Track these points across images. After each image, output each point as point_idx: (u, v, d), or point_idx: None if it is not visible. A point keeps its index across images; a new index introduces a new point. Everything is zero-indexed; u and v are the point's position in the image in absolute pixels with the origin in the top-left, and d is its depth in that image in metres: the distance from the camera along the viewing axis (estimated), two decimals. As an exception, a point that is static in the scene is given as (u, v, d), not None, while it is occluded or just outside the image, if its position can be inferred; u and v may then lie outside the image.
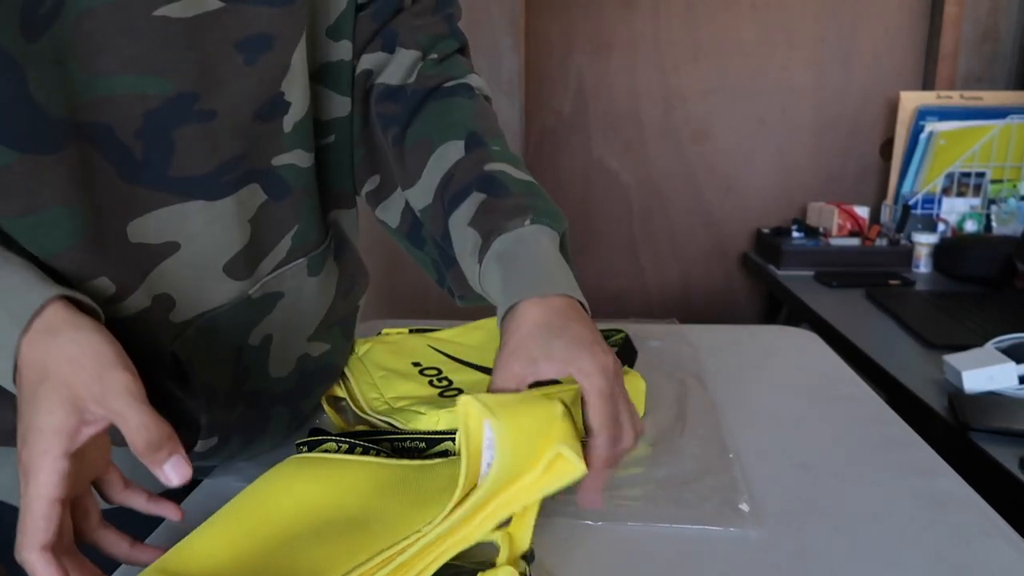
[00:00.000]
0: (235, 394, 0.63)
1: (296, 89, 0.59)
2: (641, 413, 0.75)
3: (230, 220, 0.57)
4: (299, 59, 0.58)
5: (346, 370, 0.79)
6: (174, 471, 0.45)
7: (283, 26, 0.56)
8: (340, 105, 0.67)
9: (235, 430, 0.64)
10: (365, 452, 0.61)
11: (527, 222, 0.56)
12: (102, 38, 0.48)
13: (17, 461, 0.44)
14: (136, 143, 0.51)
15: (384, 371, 0.76)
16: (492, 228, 0.56)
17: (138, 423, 0.43)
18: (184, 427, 0.58)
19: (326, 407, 0.77)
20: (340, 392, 0.77)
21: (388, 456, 0.61)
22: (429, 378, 0.75)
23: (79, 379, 0.43)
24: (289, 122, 0.60)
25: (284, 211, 0.62)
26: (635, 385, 0.74)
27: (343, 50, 0.64)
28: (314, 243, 0.66)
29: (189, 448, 0.61)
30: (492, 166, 0.61)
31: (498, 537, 0.48)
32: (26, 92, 0.46)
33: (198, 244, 0.56)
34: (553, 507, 0.60)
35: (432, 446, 0.63)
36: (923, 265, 1.70)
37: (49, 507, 0.42)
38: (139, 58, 0.50)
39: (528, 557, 0.48)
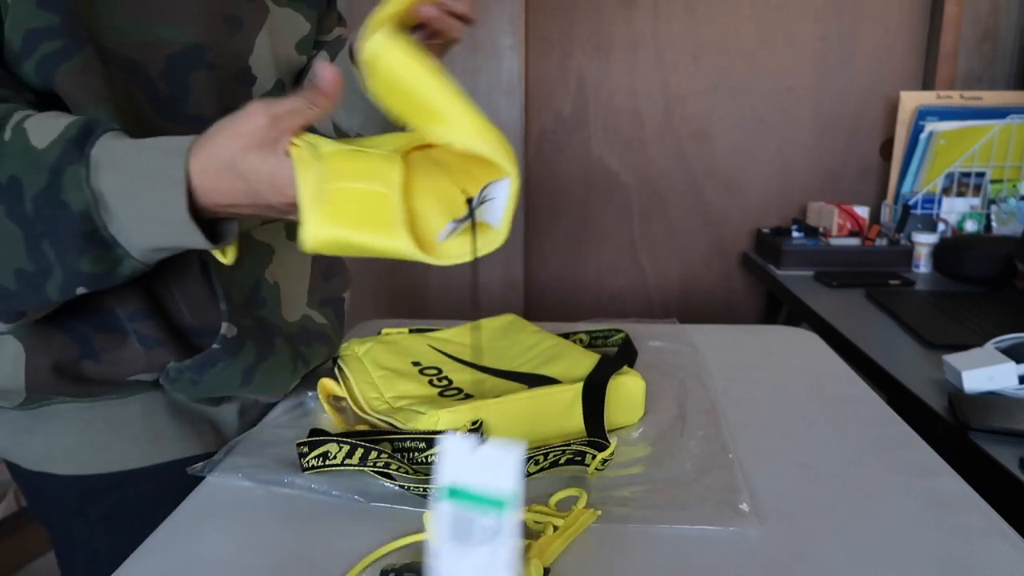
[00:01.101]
0: (248, 308, 0.72)
1: (261, 69, 0.72)
2: (641, 413, 0.75)
3: None
4: (263, 47, 0.71)
5: (346, 369, 0.79)
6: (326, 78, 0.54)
7: (249, 15, 0.70)
8: None
9: (247, 336, 0.70)
10: (366, 454, 0.61)
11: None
12: None
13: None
14: (160, 81, 0.63)
15: (384, 371, 0.76)
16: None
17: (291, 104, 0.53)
18: (210, 313, 0.67)
19: (326, 407, 0.77)
20: (340, 392, 0.77)
21: (389, 458, 0.61)
22: (429, 378, 0.76)
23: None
24: (257, 93, 0.72)
25: None
26: (635, 385, 0.74)
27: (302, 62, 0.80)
28: None
29: (214, 332, 0.67)
30: None
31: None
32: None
33: None
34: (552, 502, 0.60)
35: (432, 446, 0.63)
36: (923, 265, 1.70)
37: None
38: (164, 10, 0.62)
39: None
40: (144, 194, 0.52)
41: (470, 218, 0.55)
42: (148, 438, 0.72)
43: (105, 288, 0.57)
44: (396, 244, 0.51)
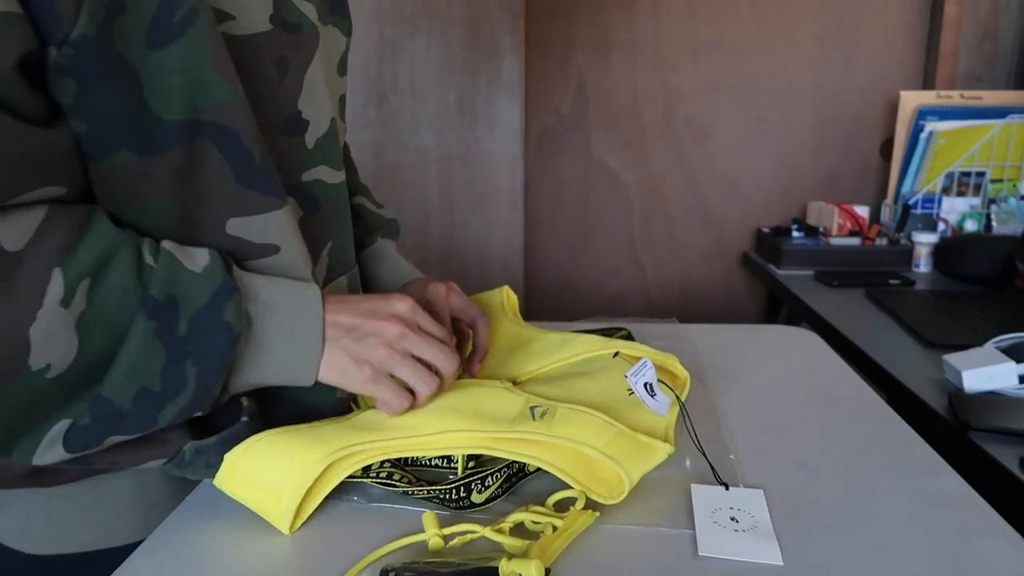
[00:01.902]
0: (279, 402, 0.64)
1: (312, 108, 0.63)
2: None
3: (271, 233, 0.59)
4: (313, 81, 0.63)
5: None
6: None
7: (293, 50, 0.60)
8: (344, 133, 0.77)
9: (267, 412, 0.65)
10: (368, 466, 0.61)
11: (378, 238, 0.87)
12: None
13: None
14: (255, 148, 0.56)
15: None
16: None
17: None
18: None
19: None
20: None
21: (392, 467, 0.61)
22: None
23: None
24: (311, 139, 0.64)
25: (317, 226, 0.66)
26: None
27: (345, 84, 0.74)
28: (351, 261, 0.73)
29: (233, 411, 0.61)
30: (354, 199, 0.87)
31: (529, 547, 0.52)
32: (141, 98, 0.50)
33: (294, 249, 0.61)
34: (551, 508, 0.60)
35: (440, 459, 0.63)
36: (923, 265, 1.70)
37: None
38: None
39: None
40: (286, 329, 0.55)
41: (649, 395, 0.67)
42: (141, 510, 0.64)
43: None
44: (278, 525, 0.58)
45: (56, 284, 0.46)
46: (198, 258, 0.53)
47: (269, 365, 0.55)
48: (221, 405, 0.57)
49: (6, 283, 0.44)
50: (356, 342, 0.58)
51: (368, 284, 0.83)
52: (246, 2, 0.56)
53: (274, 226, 0.58)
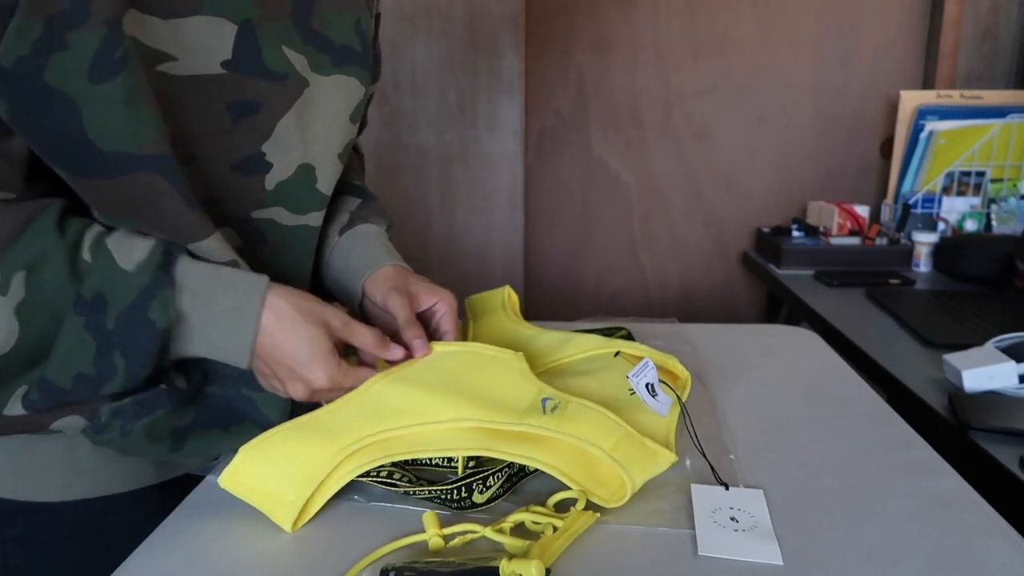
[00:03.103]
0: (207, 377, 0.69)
1: (280, 153, 0.67)
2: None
3: (217, 255, 0.63)
4: (287, 128, 0.66)
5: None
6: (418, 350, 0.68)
7: (272, 98, 0.64)
8: None
9: (195, 400, 0.70)
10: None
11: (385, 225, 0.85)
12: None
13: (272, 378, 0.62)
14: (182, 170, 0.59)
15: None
16: (356, 218, 0.82)
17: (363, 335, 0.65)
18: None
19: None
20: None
21: (392, 467, 0.61)
22: None
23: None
24: (271, 181, 0.68)
25: (262, 256, 0.70)
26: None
27: (355, 129, 0.76)
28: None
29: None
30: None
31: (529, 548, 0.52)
32: (80, 128, 0.53)
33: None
34: (553, 508, 0.60)
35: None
36: (923, 264, 1.70)
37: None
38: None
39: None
40: (221, 320, 0.59)
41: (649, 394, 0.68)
42: (70, 471, 0.69)
43: None
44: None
45: None
46: (136, 253, 0.57)
47: (203, 347, 0.60)
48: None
49: None
50: (265, 380, 0.64)
51: (339, 272, 0.80)
52: (193, 46, 0.59)
53: (216, 249, 0.62)
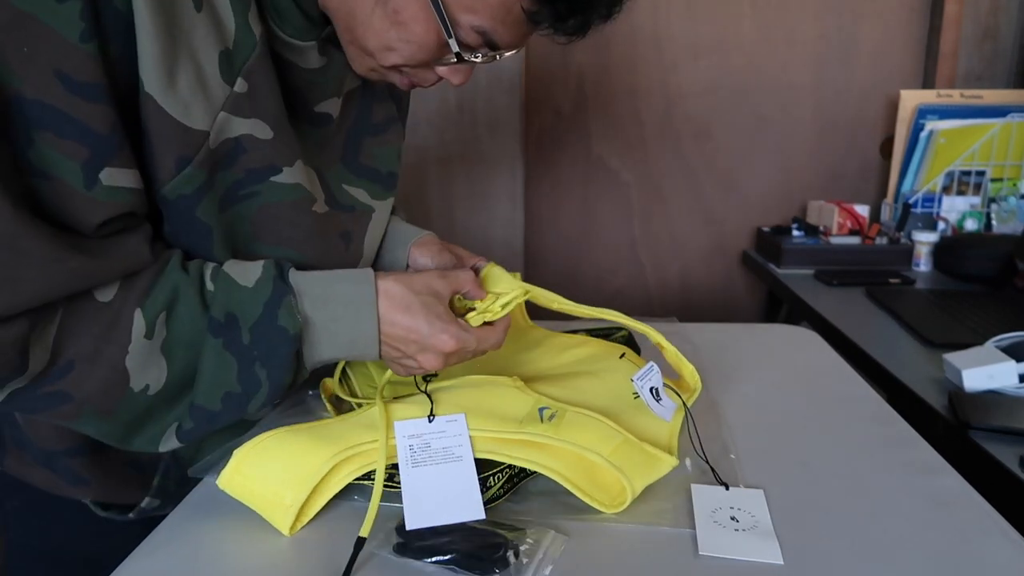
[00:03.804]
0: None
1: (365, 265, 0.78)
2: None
3: None
4: (370, 248, 0.79)
5: (349, 370, 0.79)
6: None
7: (355, 225, 0.76)
8: None
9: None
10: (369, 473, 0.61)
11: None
12: (276, 222, 0.66)
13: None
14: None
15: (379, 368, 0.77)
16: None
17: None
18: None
19: (328, 406, 0.77)
20: (342, 393, 0.78)
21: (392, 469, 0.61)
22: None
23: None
24: None
25: None
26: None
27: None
28: None
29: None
30: None
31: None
32: (210, 250, 0.63)
33: None
34: (554, 508, 0.60)
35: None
36: (923, 264, 1.70)
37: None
38: (291, 239, 0.68)
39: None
40: (344, 315, 0.62)
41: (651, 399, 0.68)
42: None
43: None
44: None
45: (139, 323, 0.57)
46: (251, 273, 0.62)
47: (334, 347, 0.63)
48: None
49: (103, 327, 0.55)
50: (399, 363, 0.67)
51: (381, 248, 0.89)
52: (317, 191, 0.71)
53: None
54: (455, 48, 0.63)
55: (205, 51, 0.58)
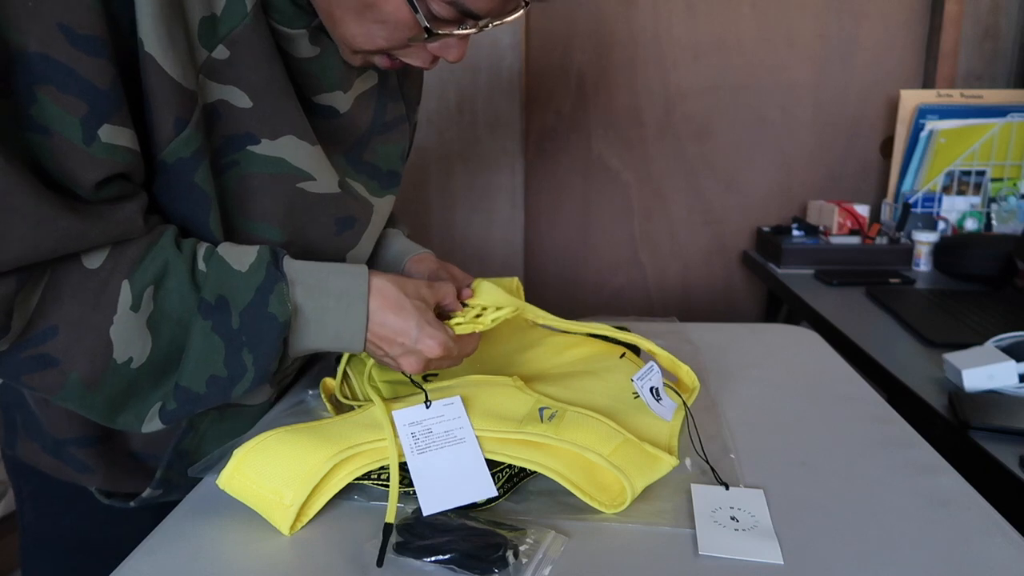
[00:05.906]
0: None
1: (354, 261, 0.78)
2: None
3: None
4: (368, 242, 0.79)
5: (349, 370, 0.79)
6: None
7: (359, 212, 0.77)
8: None
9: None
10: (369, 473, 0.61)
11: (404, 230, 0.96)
12: (255, 194, 0.67)
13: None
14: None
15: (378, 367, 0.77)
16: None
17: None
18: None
19: (329, 406, 0.77)
20: (343, 396, 0.78)
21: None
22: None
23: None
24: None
25: None
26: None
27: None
28: None
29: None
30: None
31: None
32: (207, 222, 0.63)
33: None
34: (554, 508, 0.60)
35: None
36: (923, 263, 1.70)
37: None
38: (273, 214, 0.68)
39: None
40: (334, 307, 0.63)
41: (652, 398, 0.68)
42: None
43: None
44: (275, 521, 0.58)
45: (125, 293, 0.56)
46: (246, 257, 0.62)
47: (321, 337, 0.64)
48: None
49: (90, 294, 0.55)
50: (386, 359, 0.67)
51: (378, 260, 0.91)
52: (326, 169, 0.72)
53: None
54: (423, 23, 0.61)
55: (192, 14, 0.59)
